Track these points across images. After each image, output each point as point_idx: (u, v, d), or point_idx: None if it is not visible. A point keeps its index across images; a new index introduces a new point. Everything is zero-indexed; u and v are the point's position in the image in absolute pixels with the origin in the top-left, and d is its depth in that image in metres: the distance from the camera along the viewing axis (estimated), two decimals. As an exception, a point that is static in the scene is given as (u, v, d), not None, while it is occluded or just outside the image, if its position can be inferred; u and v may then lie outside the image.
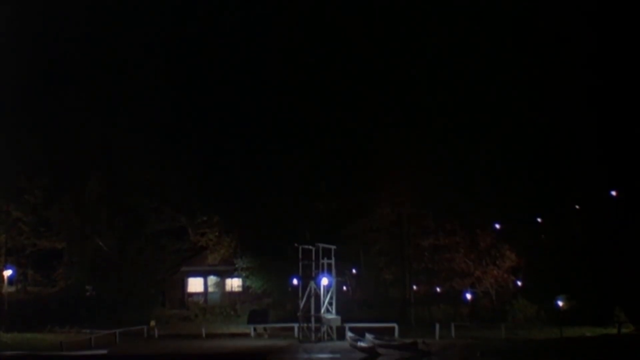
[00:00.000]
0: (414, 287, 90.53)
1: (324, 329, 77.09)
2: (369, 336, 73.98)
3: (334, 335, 77.24)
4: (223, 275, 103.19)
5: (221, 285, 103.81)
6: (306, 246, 79.38)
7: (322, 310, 77.14)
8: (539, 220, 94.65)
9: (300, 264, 78.98)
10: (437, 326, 76.85)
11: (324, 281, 77.84)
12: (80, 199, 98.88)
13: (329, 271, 78.59)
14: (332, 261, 79.03)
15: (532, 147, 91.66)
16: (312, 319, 77.15)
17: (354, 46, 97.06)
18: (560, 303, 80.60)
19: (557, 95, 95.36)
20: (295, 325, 79.40)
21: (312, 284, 77.48)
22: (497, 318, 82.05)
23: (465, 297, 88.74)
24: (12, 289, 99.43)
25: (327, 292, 78.10)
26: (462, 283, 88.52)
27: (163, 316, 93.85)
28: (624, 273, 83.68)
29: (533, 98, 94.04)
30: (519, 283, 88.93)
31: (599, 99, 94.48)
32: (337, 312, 78.46)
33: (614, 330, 75.98)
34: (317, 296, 77.54)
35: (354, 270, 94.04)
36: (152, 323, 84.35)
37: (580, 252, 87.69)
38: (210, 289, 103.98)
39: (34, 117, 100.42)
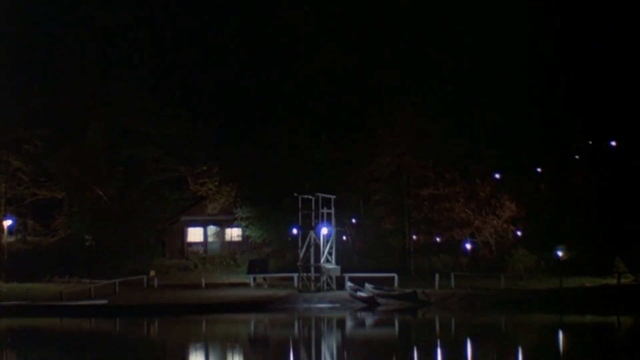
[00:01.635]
0: (414, 237, 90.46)
1: (323, 278, 77.30)
2: (368, 286, 74.29)
3: (334, 285, 77.46)
4: (223, 224, 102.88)
5: (221, 234, 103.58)
6: (306, 196, 79.43)
7: (322, 260, 77.32)
8: (538, 170, 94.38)
9: (299, 213, 79.15)
10: (437, 276, 77.02)
11: (324, 231, 77.96)
12: (80, 148, 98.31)
13: (329, 221, 78.68)
14: (332, 211, 79.09)
15: (533, 96, 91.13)
16: (312, 269, 77.40)
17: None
18: (560, 253, 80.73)
19: (559, 43, 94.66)
20: (295, 275, 79.61)
21: (312, 234, 77.63)
22: (496, 268, 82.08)
23: (465, 247, 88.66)
24: (12, 238, 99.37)
25: (327, 241, 78.24)
26: (461, 233, 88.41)
27: (163, 266, 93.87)
28: (623, 223, 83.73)
29: (534, 46, 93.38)
30: (519, 233, 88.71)
31: (601, 47, 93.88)
32: (337, 262, 78.64)
33: (614, 281, 76.08)
34: (317, 246, 77.71)
35: (353, 220, 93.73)
36: (152, 273, 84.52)
37: (580, 203, 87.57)
38: (209, 239, 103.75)
39: (34, 67, 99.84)
